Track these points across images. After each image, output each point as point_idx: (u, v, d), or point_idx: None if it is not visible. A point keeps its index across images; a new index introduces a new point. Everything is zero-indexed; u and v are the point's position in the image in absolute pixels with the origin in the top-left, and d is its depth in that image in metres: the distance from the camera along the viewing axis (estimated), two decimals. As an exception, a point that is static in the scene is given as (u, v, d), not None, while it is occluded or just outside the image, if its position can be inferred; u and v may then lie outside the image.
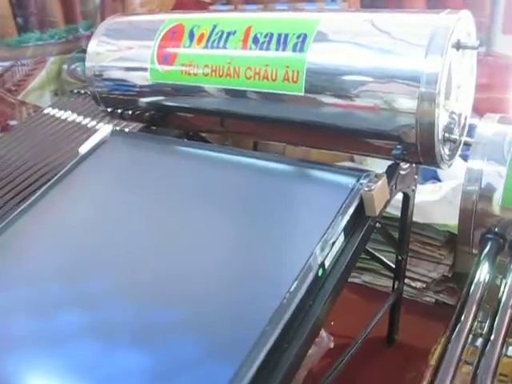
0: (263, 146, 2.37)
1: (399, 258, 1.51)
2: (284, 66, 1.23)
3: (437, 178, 1.91)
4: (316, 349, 1.47)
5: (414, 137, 1.14)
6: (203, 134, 1.68)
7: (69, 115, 2.26)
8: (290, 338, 0.95)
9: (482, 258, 1.20)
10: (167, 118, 1.54)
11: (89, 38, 2.80)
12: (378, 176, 1.15)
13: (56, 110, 2.32)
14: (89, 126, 2.14)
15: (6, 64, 2.43)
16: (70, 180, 1.40)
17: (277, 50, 1.25)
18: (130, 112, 1.58)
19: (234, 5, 2.38)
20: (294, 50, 1.23)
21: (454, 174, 1.79)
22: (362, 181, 1.14)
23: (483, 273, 1.17)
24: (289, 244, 1.06)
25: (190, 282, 1.05)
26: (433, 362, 1.59)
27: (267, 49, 1.26)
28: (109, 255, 1.17)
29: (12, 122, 2.50)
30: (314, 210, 1.11)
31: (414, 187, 1.41)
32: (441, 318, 1.77)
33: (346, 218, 1.07)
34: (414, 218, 1.81)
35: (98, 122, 2.15)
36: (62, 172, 1.42)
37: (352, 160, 2.16)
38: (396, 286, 1.55)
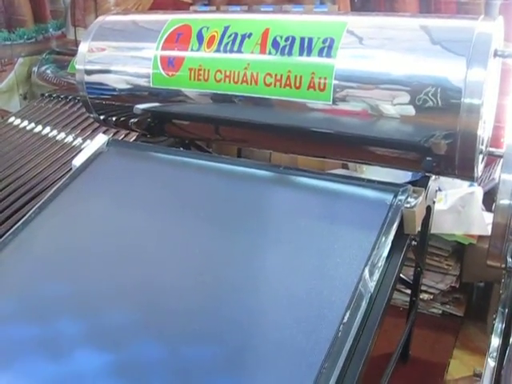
0: (248, 152, 2.28)
1: (418, 270, 1.44)
2: (309, 73, 1.14)
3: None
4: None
5: (454, 149, 1.08)
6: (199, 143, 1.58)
7: (39, 123, 2.10)
8: (344, 375, 0.86)
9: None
10: (166, 126, 1.43)
11: (60, 38, 2.65)
12: (416, 191, 1.08)
13: (25, 116, 2.16)
14: (62, 136, 2.00)
15: (-26, 67, 2.25)
16: (65, 196, 1.28)
17: (301, 54, 1.16)
18: (125, 119, 1.46)
19: (216, 5, 2.27)
20: (321, 55, 1.14)
21: (454, 183, 1.76)
22: (399, 197, 1.07)
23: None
24: (334, 266, 0.97)
25: (232, 310, 0.94)
26: (449, 377, 1.55)
27: (289, 54, 1.17)
28: (127, 283, 1.05)
29: (-22, 128, 2.31)
30: (355, 228, 1.03)
31: (434, 199, 1.35)
32: (449, 329, 1.73)
33: (390, 237, 1.00)
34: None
35: (72, 131, 2.01)
36: (56, 187, 1.29)
37: (345, 167, 2.08)
38: (414, 301, 1.48)
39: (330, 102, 1.13)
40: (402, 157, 1.17)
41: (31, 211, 1.24)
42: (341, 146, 1.20)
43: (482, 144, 1.19)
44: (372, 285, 0.92)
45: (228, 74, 1.23)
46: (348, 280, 0.93)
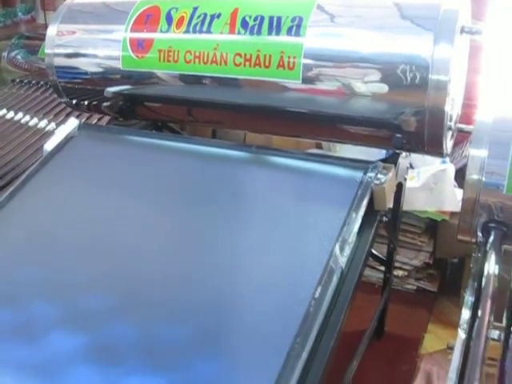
0: (222, 133, 2.28)
1: (391, 247, 1.46)
2: (279, 52, 1.14)
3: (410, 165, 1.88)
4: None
5: (423, 125, 1.09)
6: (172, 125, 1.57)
7: (11, 109, 2.07)
8: (316, 350, 0.87)
9: (488, 248, 1.16)
10: (138, 108, 1.42)
11: (29, 22, 2.61)
12: (386, 168, 1.09)
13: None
14: (34, 122, 1.97)
15: None
16: (37, 181, 1.26)
17: (270, 34, 1.16)
18: (97, 103, 1.45)
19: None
20: (290, 33, 1.14)
21: (426, 160, 1.78)
22: (369, 174, 1.08)
23: (492, 264, 1.13)
24: (305, 243, 0.98)
25: (203, 290, 0.95)
26: (423, 351, 1.58)
27: (258, 33, 1.17)
28: (99, 266, 1.05)
29: None
30: (325, 205, 1.04)
31: (406, 176, 1.37)
32: (423, 304, 1.76)
33: (360, 214, 1.01)
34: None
35: (44, 116, 1.98)
36: (27, 173, 1.28)
37: (319, 147, 2.09)
38: (388, 277, 1.50)
39: (300, 81, 1.14)
40: (373, 134, 1.18)
41: (1, 198, 1.22)
42: (311, 124, 1.21)
43: (451, 120, 1.20)
44: (343, 260, 0.94)
45: (198, 54, 1.22)
46: (319, 256, 0.94)
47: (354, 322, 1.55)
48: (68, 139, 1.35)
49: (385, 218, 1.14)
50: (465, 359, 0.98)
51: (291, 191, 1.08)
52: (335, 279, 0.91)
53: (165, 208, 1.11)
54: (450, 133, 1.20)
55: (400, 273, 1.73)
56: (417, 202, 1.69)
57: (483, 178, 1.18)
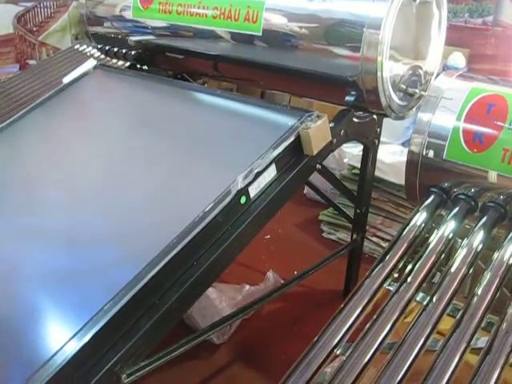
0: (270, 95, 2.41)
1: (357, 211, 1.52)
2: (246, 7, 1.26)
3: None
4: (262, 286, 1.52)
5: (360, 83, 1.16)
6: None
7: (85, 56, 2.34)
8: (199, 257, 1.00)
9: (421, 208, 1.20)
10: (152, 56, 1.60)
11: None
12: (319, 117, 1.17)
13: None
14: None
15: (29, 5, 2.54)
16: (49, 105, 1.49)
17: (241, -10, 1.28)
18: (119, 50, 1.64)
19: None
20: (257, -10, 1.26)
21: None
22: (303, 120, 1.16)
23: (419, 220, 1.18)
24: (217, 171, 1.11)
25: (123, 197, 1.11)
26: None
27: (233, -11, 1.30)
28: (67, 171, 1.25)
29: (31, 62, 2.61)
30: (251, 143, 1.15)
31: (375, 140, 1.42)
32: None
33: (277, 151, 1.10)
34: (390, 179, 1.83)
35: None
36: (42, 98, 1.50)
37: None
38: (353, 238, 1.57)
39: (260, 34, 1.25)
40: (327, 90, 1.27)
41: (16, 116, 1.46)
42: (273, 76, 1.32)
43: (412, 86, 1.26)
44: (241, 185, 1.04)
45: (186, 8, 1.38)
46: (225, 182, 1.05)
47: (330, 283, 1.66)
48: (83, 75, 1.56)
49: (318, 166, 1.21)
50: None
51: (228, 130, 1.21)
52: (228, 199, 1.02)
53: (125, 133, 1.29)
54: (406, 96, 1.26)
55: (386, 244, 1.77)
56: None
57: (426, 142, 1.22)
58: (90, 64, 1.59)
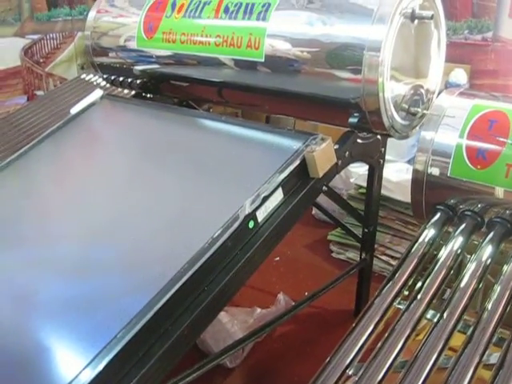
0: (275, 119, 2.44)
1: (365, 230, 1.53)
2: (248, 34, 1.29)
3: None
4: (273, 309, 1.53)
5: (363, 104, 1.18)
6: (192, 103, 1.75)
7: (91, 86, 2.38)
8: (210, 282, 1.01)
9: (428, 225, 1.21)
10: (157, 85, 1.63)
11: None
12: (323, 139, 1.19)
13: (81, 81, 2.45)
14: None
15: (36, 37, 2.60)
16: (58, 136, 1.51)
17: (243, 18, 1.31)
18: (124, 79, 1.67)
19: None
20: (258, 18, 1.29)
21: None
22: (307, 143, 1.18)
23: (427, 237, 1.19)
24: (224, 197, 1.13)
25: (133, 225, 1.13)
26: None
27: (235, 18, 1.33)
28: (77, 202, 1.26)
29: (39, 92, 2.66)
30: (256, 168, 1.17)
31: (380, 160, 1.44)
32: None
33: (284, 175, 1.12)
34: (397, 197, 1.85)
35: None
36: (51, 129, 1.53)
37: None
38: (362, 257, 1.58)
39: (263, 60, 1.27)
40: (331, 113, 1.29)
41: (25, 147, 1.49)
42: (274, 100, 1.34)
43: (413, 105, 1.28)
44: (249, 210, 1.06)
45: (189, 36, 1.41)
46: (233, 207, 1.07)
47: (341, 303, 1.67)
48: (90, 105, 1.59)
49: (325, 188, 1.23)
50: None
51: (233, 155, 1.23)
52: (237, 224, 1.04)
53: (132, 162, 1.31)
54: (408, 116, 1.28)
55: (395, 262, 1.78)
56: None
57: (430, 160, 1.24)
58: (96, 94, 1.62)
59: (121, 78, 1.68)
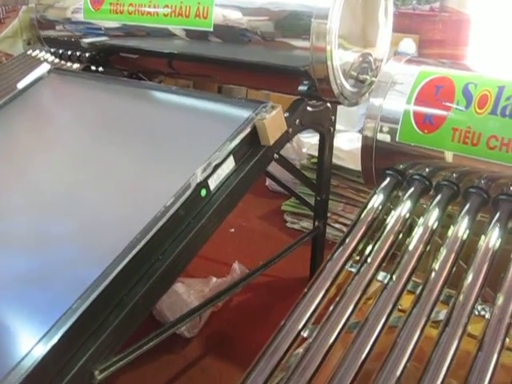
0: (227, 90, 2.42)
1: (318, 198, 1.56)
2: (196, 3, 1.28)
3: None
4: (228, 278, 1.55)
5: (312, 72, 1.19)
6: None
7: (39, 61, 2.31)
8: (164, 251, 1.01)
9: (377, 190, 1.24)
10: (106, 58, 1.59)
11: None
12: (273, 107, 1.20)
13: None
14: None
15: (-23, 13, 2.50)
16: (3, 112, 1.48)
17: (191, -12, 1.30)
18: (72, 53, 1.63)
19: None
20: (206, -13, 1.27)
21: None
22: (258, 111, 1.19)
23: (377, 202, 1.21)
24: (176, 166, 1.13)
25: (85, 197, 1.12)
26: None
27: (183, -13, 1.31)
28: (27, 176, 1.24)
29: (-17, 69, 2.57)
30: (208, 137, 1.17)
31: (330, 128, 1.46)
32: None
33: (235, 143, 1.13)
34: (349, 166, 1.88)
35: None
36: (-1, 103, 1.49)
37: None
38: (316, 225, 1.60)
39: (211, 29, 1.27)
40: (281, 81, 1.29)
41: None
42: (227, 70, 1.34)
43: (361, 73, 1.29)
44: (201, 178, 1.06)
45: (137, 7, 1.38)
46: (184, 177, 1.07)
47: (295, 270, 1.69)
48: (37, 79, 1.55)
49: (276, 156, 1.24)
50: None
51: (184, 125, 1.22)
52: (188, 193, 1.04)
53: (82, 135, 1.30)
54: (357, 83, 1.29)
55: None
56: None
57: (379, 126, 1.26)
58: (44, 68, 1.58)
59: (69, 52, 1.65)
